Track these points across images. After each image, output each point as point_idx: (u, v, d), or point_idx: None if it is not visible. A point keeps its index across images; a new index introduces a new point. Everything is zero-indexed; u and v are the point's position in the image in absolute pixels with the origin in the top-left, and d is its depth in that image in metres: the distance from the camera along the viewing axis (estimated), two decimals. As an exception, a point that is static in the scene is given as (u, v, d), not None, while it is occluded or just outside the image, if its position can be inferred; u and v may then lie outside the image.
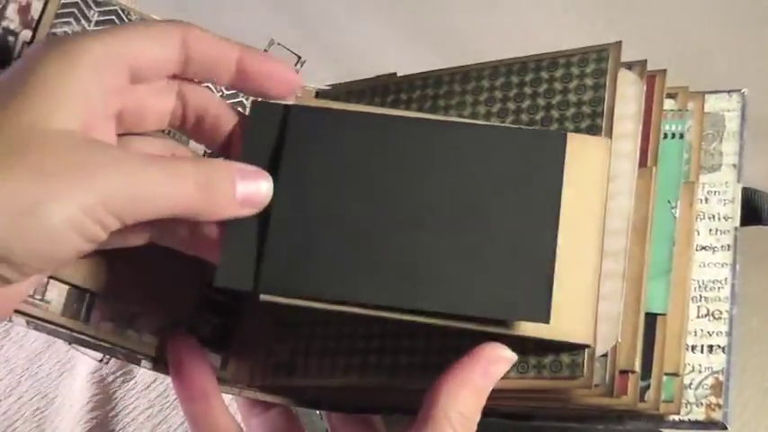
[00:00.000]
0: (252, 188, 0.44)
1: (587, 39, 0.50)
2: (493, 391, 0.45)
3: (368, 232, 0.45)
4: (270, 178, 0.45)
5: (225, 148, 0.47)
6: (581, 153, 0.46)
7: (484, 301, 0.44)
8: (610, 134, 0.47)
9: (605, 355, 0.45)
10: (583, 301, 0.45)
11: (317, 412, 0.59)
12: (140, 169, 0.40)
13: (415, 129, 0.46)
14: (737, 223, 0.50)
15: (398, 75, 0.53)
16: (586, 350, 0.44)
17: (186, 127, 0.48)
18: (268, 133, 0.46)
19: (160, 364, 0.51)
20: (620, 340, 0.45)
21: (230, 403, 0.53)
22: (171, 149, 0.48)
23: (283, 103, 0.47)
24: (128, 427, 0.68)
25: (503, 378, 0.45)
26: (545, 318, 0.43)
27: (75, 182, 0.39)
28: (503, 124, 0.48)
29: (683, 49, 0.70)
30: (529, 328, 0.44)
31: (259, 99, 0.47)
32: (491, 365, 0.45)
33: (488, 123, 0.48)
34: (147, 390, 0.69)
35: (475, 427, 0.45)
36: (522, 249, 0.44)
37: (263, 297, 0.45)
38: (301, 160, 0.45)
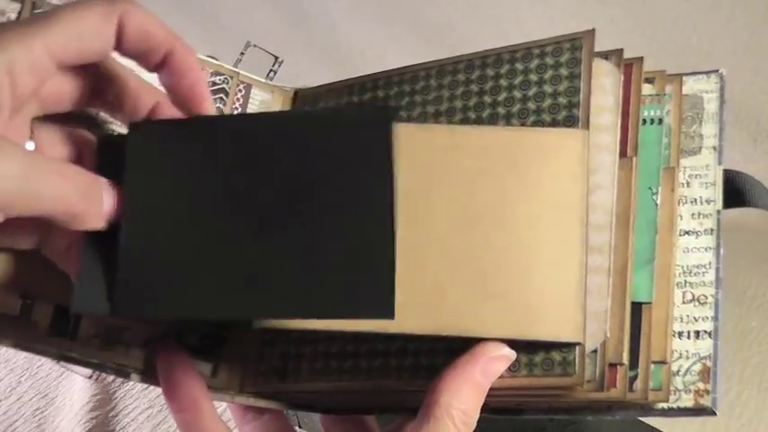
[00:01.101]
0: (112, 202, 0.44)
1: None
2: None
3: (210, 245, 0.44)
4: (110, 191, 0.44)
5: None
6: (558, 146, 0.46)
7: (329, 301, 0.42)
8: (587, 125, 0.47)
9: (595, 351, 0.45)
10: (571, 299, 0.45)
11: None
12: (33, 165, 0.40)
13: (246, 126, 0.44)
14: (720, 206, 0.50)
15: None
16: (577, 347, 0.44)
17: (104, 104, 0.47)
18: (115, 156, 0.45)
19: (149, 376, 0.51)
20: (608, 335, 0.45)
21: (223, 412, 0.52)
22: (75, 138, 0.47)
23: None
24: (128, 427, 0.68)
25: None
26: (390, 313, 0.42)
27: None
28: (325, 109, 0.46)
29: (684, 48, 0.69)
30: (518, 330, 0.44)
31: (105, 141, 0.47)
32: (491, 363, 0.45)
33: (311, 110, 0.46)
34: (147, 390, 0.69)
35: (474, 424, 0.46)
36: (359, 245, 0.42)
37: (256, 326, 0.44)
38: (142, 176, 0.44)
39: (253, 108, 0.55)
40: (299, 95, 0.54)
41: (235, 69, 0.55)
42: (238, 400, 0.52)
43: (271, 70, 0.54)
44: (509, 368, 0.45)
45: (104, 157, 0.46)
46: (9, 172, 0.39)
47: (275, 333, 0.52)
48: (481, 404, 0.45)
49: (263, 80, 0.55)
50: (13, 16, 0.51)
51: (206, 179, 0.44)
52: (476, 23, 0.78)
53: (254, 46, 0.51)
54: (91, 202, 0.43)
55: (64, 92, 0.46)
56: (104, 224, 0.44)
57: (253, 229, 0.43)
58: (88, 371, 0.52)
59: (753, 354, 0.65)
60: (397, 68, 0.52)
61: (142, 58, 0.45)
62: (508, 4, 0.79)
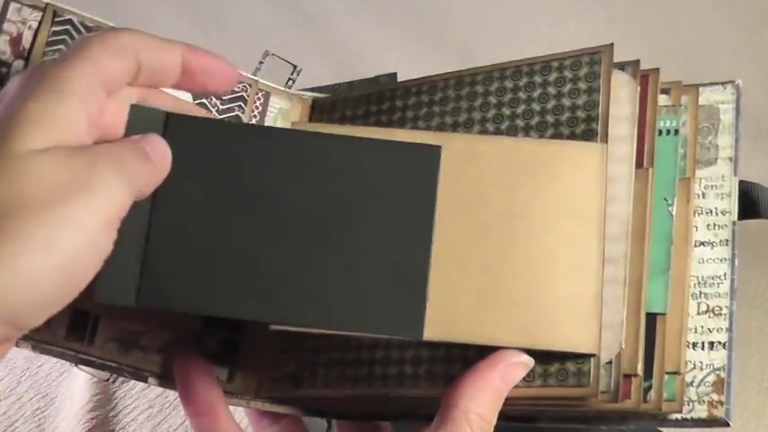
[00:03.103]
0: (156, 148, 0.44)
1: (587, 38, 0.50)
2: None
3: (247, 246, 0.44)
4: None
5: None
6: (577, 160, 0.46)
7: (359, 317, 0.44)
8: (605, 139, 0.47)
9: (610, 362, 0.45)
10: (587, 311, 0.45)
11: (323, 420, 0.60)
12: (136, 166, 0.41)
13: (293, 141, 0.45)
14: (735, 217, 0.50)
15: (398, 75, 0.53)
16: (592, 359, 0.45)
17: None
18: (146, 126, 0.45)
19: (166, 380, 0.52)
20: (623, 347, 0.45)
21: (242, 419, 0.53)
22: None
23: (162, 110, 0.45)
24: (128, 428, 0.68)
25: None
26: (418, 334, 0.43)
27: (91, 204, 0.39)
28: (379, 138, 0.47)
29: (684, 48, 0.69)
30: (534, 340, 0.45)
31: (138, 103, 0.45)
32: (510, 369, 0.45)
33: (364, 137, 0.47)
34: (147, 390, 0.69)
35: (492, 430, 0.46)
36: (396, 265, 0.44)
37: (272, 328, 0.45)
38: (180, 170, 0.44)
39: (271, 116, 0.55)
40: (317, 104, 0.55)
41: (254, 77, 0.55)
42: (254, 405, 0.53)
43: (289, 78, 0.54)
44: (524, 378, 0.45)
45: (135, 127, 0.45)
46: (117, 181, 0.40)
47: (292, 340, 0.52)
48: (499, 410, 0.46)
49: (282, 88, 0.56)
50: (35, 25, 0.51)
51: (244, 182, 0.45)
52: (476, 23, 0.79)
53: (273, 54, 0.51)
54: (144, 160, 0.43)
55: None
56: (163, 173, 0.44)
57: (291, 236, 0.44)
58: (105, 374, 0.53)
59: (753, 353, 0.65)
60: (415, 79, 0.52)
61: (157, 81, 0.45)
62: (508, 4, 0.79)
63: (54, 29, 0.51)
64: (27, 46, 0.51)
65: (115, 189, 0.40)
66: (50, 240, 0.37)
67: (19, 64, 0.51)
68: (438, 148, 0.45)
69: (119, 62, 0.42)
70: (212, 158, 0.45)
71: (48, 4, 0.52)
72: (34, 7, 0.51)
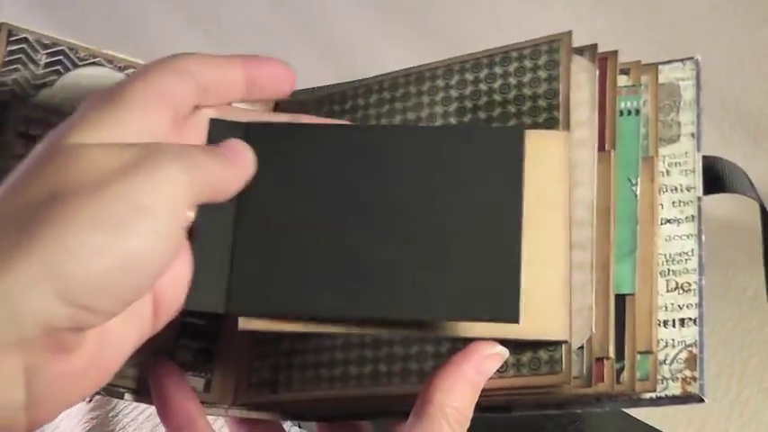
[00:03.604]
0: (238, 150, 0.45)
1: (587, 37, 0.50)
2: None
3: (333, 245, 0.45)
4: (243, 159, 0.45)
5: None
6: (540, 148, 0.47)
7: (454, 305, 0.44)
8: (568, 126, 0.47)
9: (581, 347, 0.46)
10: (556, 298, 0.45)
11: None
12: (200, 156, 0.41)
13: (373, 137, 0.46)
14: (700, 193, 0.51)
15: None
16: (563, 345, 0.45)
17: None
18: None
19: (142, 395, 0.52)
20: (594, 331, 0.46)
21: (222, 427, 0.53)
22: None
23: (241, 121, 0.46)
24: (128, 428, 0.69)
25: None
26: (516, 317, 0.44)
27: (148, 183, 0.38)
28: (459, 124, 0.48)
29: (684, 48, 0.69)
30: (505, 330, 0.45)
31: (216, 118, 0.46)
32: (484, 361, 0.46)
33: (444, 125, 0.48)
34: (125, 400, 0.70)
35: (468, 423, 0.46)
36: (487, 250, 0.45)
37: (241, 326, 0.45)
38: (262, 176, 0.45)
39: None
40: (279, 106, 0.55)
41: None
42: (232, 413, 0.53)
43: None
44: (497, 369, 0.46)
45: (215, 137, 0.46)
46: (198, 165, 0.40)
47: (266, 345, 0.53)
48: (475, 402, 0.46)
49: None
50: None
51: (329, 181, 0.45)
52: (476, 24, 0.78)
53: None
54: (223, 159, 0.43)
55: None
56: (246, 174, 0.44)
57: (380, 231, 0.45)
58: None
59: (753, 354, 0.65)
60: (378, 76, 0.52)
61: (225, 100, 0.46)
62: (508, 4, 0.79)
63: (9, 48, 0.51)
64: None
65: (174, 175, 0.39)
66: (98, 217, 0.37)
67: (-25, 85, 0.51)
68: (521, 130, 0.46)
69: (178, 82, 0.42)
70: (295, 161, 0.46)
71: (2, 23, 0.51)
72: (-13, 28, 0.51)
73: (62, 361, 0.38)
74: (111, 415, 0.70)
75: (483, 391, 0.46)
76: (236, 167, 0.43)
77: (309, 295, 0.45)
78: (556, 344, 0.45)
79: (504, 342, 0.46)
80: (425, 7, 0.80)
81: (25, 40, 0.52)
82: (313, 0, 0.81)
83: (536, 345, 0.46)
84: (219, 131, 0.45)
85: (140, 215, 0.38)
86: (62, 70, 0.52)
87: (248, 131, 0.46)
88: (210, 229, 0.43)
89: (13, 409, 0.37)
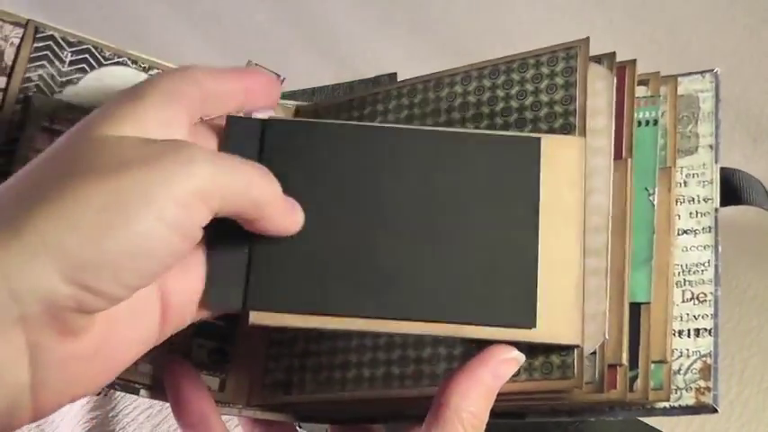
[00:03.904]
0: (292, 207, 0.45)
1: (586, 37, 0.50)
2: None
3: (351, 244, 0.45)
4: (302, 213, 0.45)
5: None
6: (556, 153, 0.47)
7: (469, 309, 0.45)
8: (584, 132, 0.47)
9: (594, 353, 0.46)
10: (569, 302, 0.45)
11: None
12: (232, 161, 0.40)
13: (391, 138, 0.46)
14: (717, 204, 0.51)
15: (398, 75, 0.53)
16: (576, 350, 0.45)
17: None
18: (246, 149, 0.46)
19: (157, 392, 0.52)
20: (607, 337, 0.46)
21: (238, 425, 0.53)
22: None
23: (259, 117, 0.47)
24: (128, 428, 0.69)
25: None
26: (531, 323, 0.44)
27: (159, 170, 0.38)
28: (478, 130, 0.48)
29: (683, 48, 0.69)
30: (518, 333, 0.45)
31: (234, 114, 0.46)
32: (501, 366, 0.45)
33: (463, 130, 0.48)
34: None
35: (483, 428, 0.46)
36: (504, 255, 0.45)
37: (252, 321, 0.45)
38: (281, 174, 0.45)
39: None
40: (300, 112, 0.55)
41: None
42: (245, 413, 0.53)
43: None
44: None
45: (233, 137, 0.46)
46: (208, 167, 0.39)
47: (280, 347, 0.53)
48: (490, 407, 0.46)
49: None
50: (16, 41, 0.52)
51: (345, 181, 0.46)
52: (476, 24, 0.79)
53: (256, 65, 0.51)
54: (275, 191, 0.43)
55: None
56: (295, 231, 0.44)
57: (395, 233, 0.45)
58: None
59: (753, 354, 0.65)
60: (397, 82, 0.53)
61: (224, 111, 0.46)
62: (509, 4, 0.80)
63: (36, 45, 0.52)
64: (9, 62, 0.52)
65: (195, 172, 0.38)
66: (107, 198, 0.36)
67: (1, 81, 0.51)
68: (538, 139, 0.46)
69: (191, 87, 0.43)
70: (311, 159, 0.46)
71: (29, 20, 0.52)
72: (16, 24, 0.52)
73: (68, 343, 0.37)
74: (111, 415, 0.70)
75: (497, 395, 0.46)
76: (280, 205, 0.43)
77: (326, 293, 0.45)
78: (568, 348, 0.45)
79: (516, 345, 0.46)
80: (425, 7, 0.80)
81: (51, 37, 0.53)
82: (313, 0, 0.81)
83: (548, 349, 0.46)
84: (237, 128, 0.46)
85: (150, 201, 0.37)
86: (87, 68, 0.53)
87: (265, 128, 0.46)
88: (227, 226, 0.44)
89: (18, 389, 0.36)
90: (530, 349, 0.46)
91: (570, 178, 0.47)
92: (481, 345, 0.46)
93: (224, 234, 0.44)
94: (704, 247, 0.50)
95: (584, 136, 0.47)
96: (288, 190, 0.44)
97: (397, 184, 0.46)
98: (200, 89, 0.43)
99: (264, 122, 0.46)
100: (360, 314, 0.45)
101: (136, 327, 0.42)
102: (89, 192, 0.37)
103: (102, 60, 0.53)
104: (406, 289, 0.45)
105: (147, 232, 0.37)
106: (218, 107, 0.45)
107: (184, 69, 0.43)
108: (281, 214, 0.43)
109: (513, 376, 0.46)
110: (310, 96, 0.56)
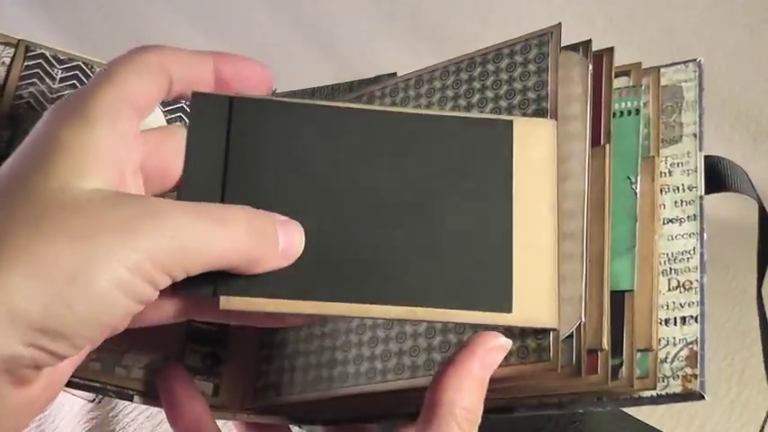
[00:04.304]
0: (290, 239, 0.43)
1: (586, 37, 0.51)
2: None
3: (322, 228, 0.44)
4: (302, 230, 0.43)
5: None
6: (528, 136, 0.47)
7: (444, 293, 0.44)
8: (555, 116, 0.47)
9: (570, 336, 0.45)
10: (544, 286, 0.45)
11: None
12: (186, 219, 0.39)
13: (364, 119, 0.46)
14: (702, 192, 0.50)
15: (398, 75, 0.54)
16: (552, 333, 0.44)
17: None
18: (213, 126, 0.45)
19: (151, 398, 0.52)
20: (584, 320, 0.45)
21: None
22: None
23: (226, 95, 0.45)
24: (128, 428, 0.68)
25: None
26: (507, 308, 0.44)
27: (118, 240, 0.37)
28: (450, 112, 0.48)
29: (683, 48, 0.69)
30: (495, 317, 0.44)
31: (199, 91, 0.45)
32: (489, 354, 0.44)
33: (436, 112, 0.48)
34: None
35: (479, 421, 0.45)
36: (478, 239, 0.44)
37: (222, 306, 0.44)
38: (250, 153, 0.44)
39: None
40: None
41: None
42: (239, 417, 0.53)
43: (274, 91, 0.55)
44: None
45: (200, 115, 0.45)
46: (162, 233, 0.38)
47: (272, 349, 0.53)
48: (483, 399, 0.45)
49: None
50: (7, 60, 0.53)
51: (317, 163, 0.45)
52: (476, 24, 0.79)
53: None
54: (266, 242, 0.41)
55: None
56: (286, 263, 0.43)
57: (368, 217, 0.44)
58: (90, 395, 0.53)
59: (753, 354, 0.64)
60: (380, 84, 0.53)
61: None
62: (508, 4, 0.80)
63: (27, 63, 0.54)
64: (1, 82, 0.53)
65: (127, 255, 0.37)
66: (75, 271, 0.36)
67: (-8, 99, 0.53)
68: (510, 121, 0.46)
69: (146, 80, 0.42)
70: (281, 138, 0.45)
71: (20, 40, 0.54)
72: (6, 44, 0.54)
73: (21, 391, 0.38)
74: (111, 415, 0.69)
75: None
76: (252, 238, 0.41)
77: (300, 279, 0.43)
78: (544, 332, 0.44)
79: (493, 329, 0.45)
80: (425, 7, 0.81)
81: (42, 55, 0.54)
82: (313, 0, 0.82)
83: (524, 333, 0.45)
84: (203, 107, 0.45)
85: (117, 275, 0.37)
86: (78, 85, 0.54)
87: (233, 105, 0.45)
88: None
89: None
90: (505, 334, 0.45)
91: (542, 160, 0.46)
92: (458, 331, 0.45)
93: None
94: (689, 235, 0.49)
95: (556, 119, 0.47)
96: (257, 171, 0.43)
97: (371, 166, 0.45)
98: (166, 78, 0.43)
99: (232, 99, 0.45)
100: (334, 299, 0.44)
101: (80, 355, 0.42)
102: (59, 260, 0.36)
103: (91, 76, 0.55)
104: (383, 274, 0.44)
105: (111, 303, 0.37)
106: (182, 92, 0.44)
107: (144, 57, 0.42)
108: (276, 261, 0.42)
109: None
110: (310, 96, 0.56)
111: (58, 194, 0.38)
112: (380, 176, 0.45)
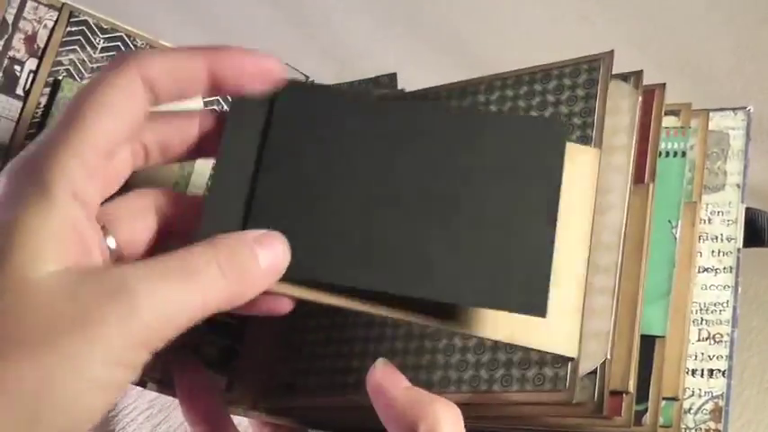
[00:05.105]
0: (272, 254, 0.40)
1: (587, 39, 0.49)
2: (478, 406, 0.44)
3: (360, 218, 0.42)
4: (284, 239, 0.41)
5: (197, 152, 0.45)
6: (571, 160, 0.45)
7: (479, 291, 0.41)
8: (600, 144, 0.46)
9: (594, 373, 0.43)
10: (567, 313, 0.43)
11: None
12: (153, 287, 0.36)
13: (411, 114, 0.44)
14: (740, 244, 0.49)
15: (398, 75, 0.52)
16: (570, 363, 0.42)
17: (150, 162, 0.44)
18: (250, 125, 0.44)
19: (165, 385, 0.50)
20: (609, 357, 0.43)
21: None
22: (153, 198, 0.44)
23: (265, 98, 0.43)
24: (128, 428, 0.67)
25: (487, 392, 0.44)
26: (542, 311, 0.40)
27: (85, 340, 0.35)
28: (501, 111, 0.46)
29: (683, 48, 0.68)
30: (515, 335, 0.42)
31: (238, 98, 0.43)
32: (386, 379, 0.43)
33: (486, 110, 0.46)
34: (147, 390, 0.68)
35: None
36: (520, 240, 0.42)
37: None
38: (288, 144, 0.43)
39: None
40: None
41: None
42: (252, 414, 0.52)
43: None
44: (501, 383, 0.43)
45: (235, 117, 0.43)
46: (131, 312, 0.35)
47: (288, 350, 0.52)
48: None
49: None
50: (50, 24, 0.52)
51: (357, 154, 0.43)
52: (476, 23, 0.78)
53: (287, 65, 0.50)
54: (245, 273, 0.39)
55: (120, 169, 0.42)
56: (276, 278, 0.40)
57: (408, 210, 0.42)
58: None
59: (753, 354, 0.62)
60: (421, 89, 0.52)
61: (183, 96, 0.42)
62: (508, 4, 0.79)
63: (69, 29, 0.52)
64: (42, 44, 0.52)
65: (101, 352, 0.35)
66: (41, 383, 0.34)
67: (32, 62, 0.51)
68: (561, 122, 0.44)
69: (118, 112, 0.39)
70: (325, 128, 0.43)
71: (64, 3, 0.52)
72: (51, 6, 0.52)
73: None
74: (111, 415, 0.68)
75: (487, 407, 0.44)
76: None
77: (334, 266, 0.42)
78: (563, 362, 0.42)
79: (511, 359, 0.43)
80: (426, 7, 0.80)
81: (85, 22, 0.53)
82: (313, 0, 0.81)
83: (542, 361, 0.43)
84: (240, 112, 0.43)
85: (87, 376, 0.35)
86: (118, 56, 0.53)
87: (277, 95, 0.43)
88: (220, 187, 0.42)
89: None
90: (524, 362, 0.43)
91: (581, 187, 0.45)
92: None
93: (218, 193, 0.42)
94: (724, 287, 0.48)
95: (600, 148, 0.45)
96: (293, 163, 0.42)
97: (414, 160, 0.43)
98: (154, 91, 0.40)
99: (275, 93, 0.43)
100: (369, 288, 0.42)
101: None
102: (24, 382, 0.34)
103: (133, 49, 0.53)
104: (414, 266, 0.42)
105: (88, 406, 0.35)
106: (173, 97, 0.41)
107: (130, 70, 0.39)
108: (264, 282, 0.40)
109: (505, 386, 0.43)
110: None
111: (19, 285, 0.35)
112: (422, 169, 0.43)
